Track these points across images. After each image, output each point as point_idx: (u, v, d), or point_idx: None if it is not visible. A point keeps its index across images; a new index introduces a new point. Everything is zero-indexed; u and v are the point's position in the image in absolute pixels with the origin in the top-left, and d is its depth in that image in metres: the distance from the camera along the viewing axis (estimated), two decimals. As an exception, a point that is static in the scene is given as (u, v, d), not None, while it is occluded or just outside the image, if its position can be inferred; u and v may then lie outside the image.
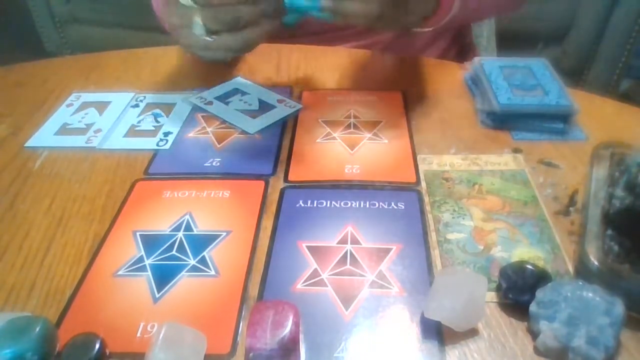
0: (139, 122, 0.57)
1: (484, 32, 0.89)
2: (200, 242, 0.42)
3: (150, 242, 0.42)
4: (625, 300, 0.33)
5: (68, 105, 0.61)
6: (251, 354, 0.31)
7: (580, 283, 0.35)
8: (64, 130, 0.56)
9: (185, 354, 0.32)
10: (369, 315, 0.36)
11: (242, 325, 0.35)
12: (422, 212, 0.44)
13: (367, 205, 0.45)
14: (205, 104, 0.59)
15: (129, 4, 1.57)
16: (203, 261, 0.40)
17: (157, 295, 0.38)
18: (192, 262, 0.40)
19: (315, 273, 0.39)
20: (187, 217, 0.44)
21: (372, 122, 0.56)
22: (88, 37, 1.70)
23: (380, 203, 0.45)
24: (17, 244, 0.43)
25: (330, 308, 0.36)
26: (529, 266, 0.37)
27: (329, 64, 0.67)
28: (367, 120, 0.56)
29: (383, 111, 0.58)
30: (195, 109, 0.59)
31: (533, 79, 0.57)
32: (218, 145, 0.53)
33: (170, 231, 0.43)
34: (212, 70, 0.66)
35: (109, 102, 0.61)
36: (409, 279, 0.38)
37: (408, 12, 0.54)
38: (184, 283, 0.39)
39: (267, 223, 0.44)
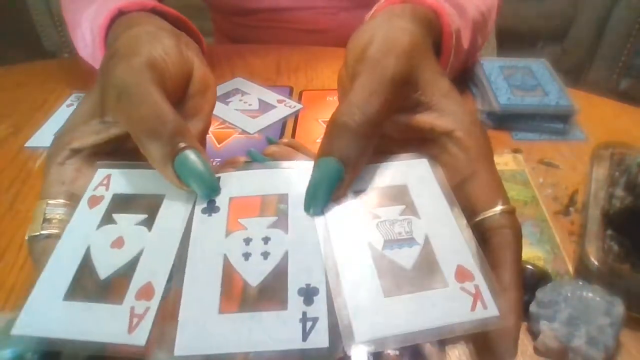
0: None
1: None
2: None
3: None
4: (625, 300, 0.33)
5: (68, 106, 0.61)
6: (251, 354, 0.31)
7: (580, 283, 0.35)
8: (64, 130, 0.56)
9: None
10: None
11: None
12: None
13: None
14: (205, 104, 0.59)
15: (128, 3, 1.56)
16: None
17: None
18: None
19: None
20: (187, 217, 0.44)
21: (372, 122, 0.56)
22: (88, 37, 1.69)
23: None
24: (17, 244, 0.42)
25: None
26: (529, 266, 0.37)
27: (329, 64, 0.67)
28: (367, 120, 0.56)
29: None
30: (195, 109, 0.59)
31: (533, 79, 0.57)
32: (218, 145, 0.53)
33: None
34: (211, 71, 0.66)
35: (109, 102, 0.61)
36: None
37: None
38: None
39: (267, 223, 0.44)
